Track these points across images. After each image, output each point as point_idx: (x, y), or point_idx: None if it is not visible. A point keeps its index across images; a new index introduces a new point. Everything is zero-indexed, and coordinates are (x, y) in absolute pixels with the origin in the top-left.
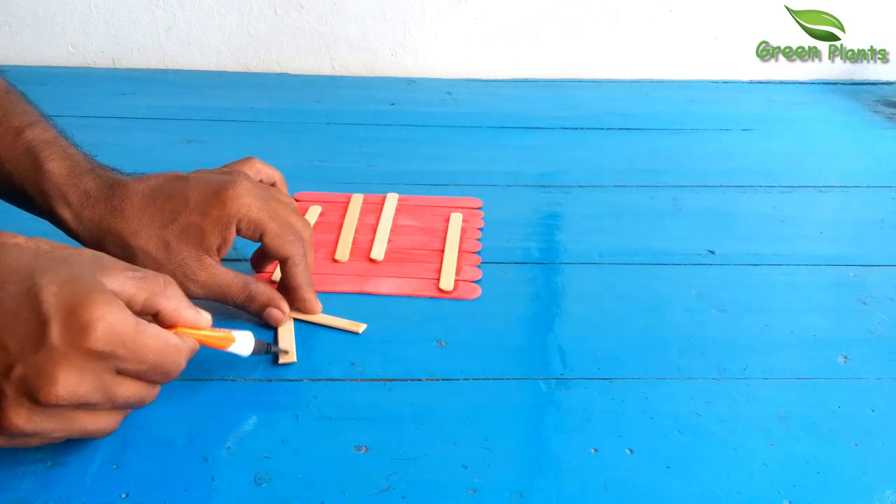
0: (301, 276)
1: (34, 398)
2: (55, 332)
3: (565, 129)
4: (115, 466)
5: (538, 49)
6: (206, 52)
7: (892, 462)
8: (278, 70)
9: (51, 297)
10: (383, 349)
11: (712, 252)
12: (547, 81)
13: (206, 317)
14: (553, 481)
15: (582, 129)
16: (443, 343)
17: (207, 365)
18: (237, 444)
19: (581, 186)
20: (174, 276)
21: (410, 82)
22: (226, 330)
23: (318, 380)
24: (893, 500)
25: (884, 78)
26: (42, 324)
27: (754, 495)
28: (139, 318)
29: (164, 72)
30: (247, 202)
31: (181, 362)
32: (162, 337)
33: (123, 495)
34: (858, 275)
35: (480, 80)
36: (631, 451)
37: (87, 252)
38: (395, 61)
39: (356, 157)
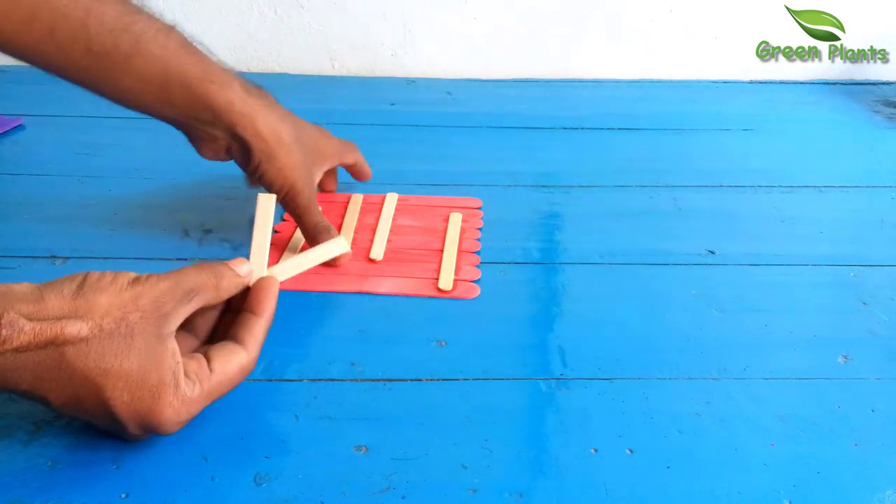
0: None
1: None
2: (133, 430)
3: (565, 129)
4: (115, 466)
5: (538, 49)
6: None
7: (892, 462)
8: (278, 70)
9: (123, 409)
10: (383, 349)
11: (712, 252)
12: (547, 81)
13: (245, 267)
14: (553, 481)
15: (582, 129)
16: (443, 343)
17: None
18: (237, 444)
19: (581, 186)
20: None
21: (410, 82)
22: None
23: (318, 380)
24: (893, 500)
25: (884, 78)
26: (121, 425)
27: (754, 495)
28: (198, 359)
29: None
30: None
31: (248, 364)
32: (221, 379)
33: (123, 495)
34: (858, 275)
35: (480, 80)
36: (631, 451)
37: (146, 301)
38: (395, 61)
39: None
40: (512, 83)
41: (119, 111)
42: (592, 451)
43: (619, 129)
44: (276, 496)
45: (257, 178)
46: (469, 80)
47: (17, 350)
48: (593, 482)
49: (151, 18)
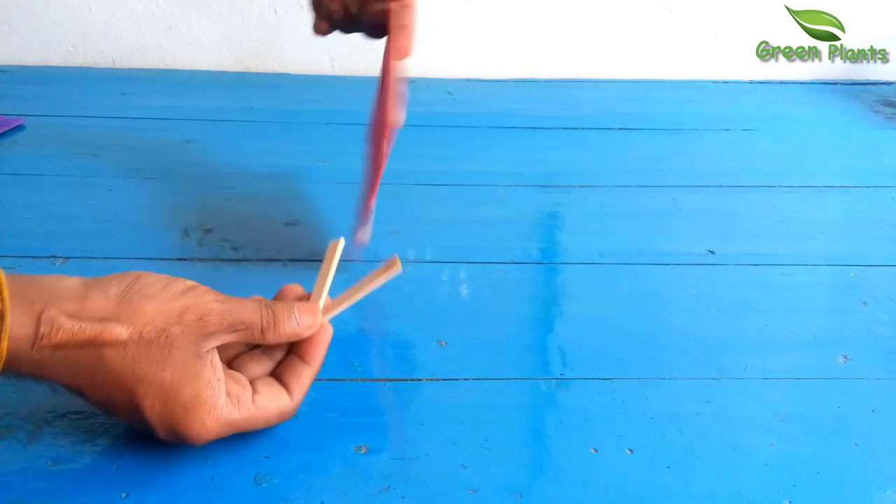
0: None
1: None
2: (163, 435)
3: (565, 129)
4: (115, 466)
5: (538, 49)
6: (206, 52)
7: (892, 462)
8: (278, 70)
9: (154, 416)
10: (383, 349)
11: (712, 252)
12: (547, 81)
13: (308, 319)
14: (553, 481)
15: (582, 129)
16: (443, 343)
17: None
18: (237, 444)
19: (581, 186)
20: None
21: (410, 82)
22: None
23: (318, 380)
24: (893, 500)
25: (884, 78)
26: (152, 430)
27: (754, 495)
28: (242, 382)
29: (164, 72)
30: None
31: (290, 411)
32: (260, 414)
33: (123, 495)
34: (858, 275)
35: (480, 80)
36: (631, 451)
37: (192, 317)
38: None
39: (356, 157)
40: (512, 83)
41: (119, 111)
42: (592, 451)
43: (619, 129)
44: (276, 496)
45: None
46: (469, 80)
47: (55, 347)
48: (593, 482)
49: None
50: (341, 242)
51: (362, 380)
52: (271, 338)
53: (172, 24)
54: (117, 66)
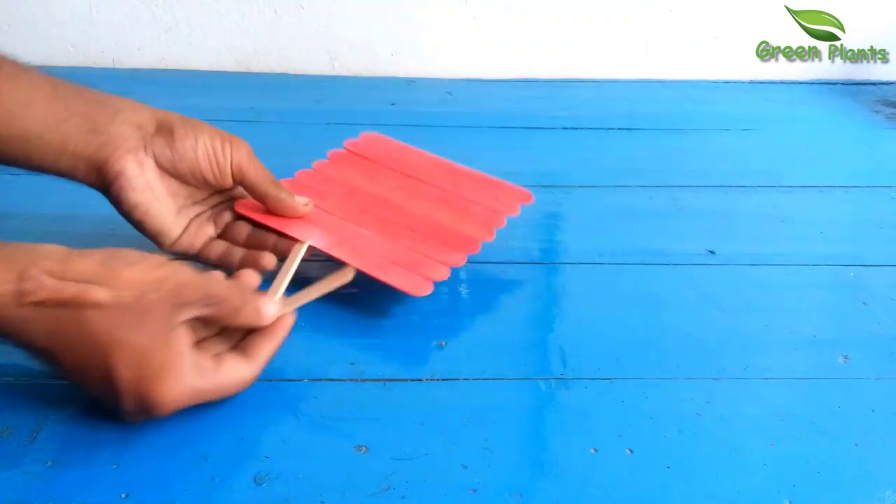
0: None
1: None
2: (129, 405)
3: (565, 129)
4: (115, 466)
5: (538, 49)
6: (206, 52)
7: (892, 462)
8: (278, 70)
9: (124, 382)
10: (383, 349)
11: (712, 252)
12: (547, 81)
13: (269, 317)
14: (553, 481)
15: (582, 129)
16: (443, 343)
17: None
18: (237, 444)
19: (581, 186)
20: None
21: (410, 82)
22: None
23: (318, 380)
24: (893, 500)
25: (884, 78)
26: (117, 397)
27: (754, 495)
28: (208, 355)
29: (164, 72)
30: None
31: (250, 380)
32: (224, 382)
33: (123, 495)
34: (858, 275)
35: (480, 80)
36: (631, 451)
37: (169, 286)
38: (394, 61)
39: None
40: (512, 83)
41: None
42: (592, 451)
43: (619, 129)
44: (276, 496)
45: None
46: (469, 80)
47: (37, 305)
48: (593, 482)
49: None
50: (305, 245)
51: (362, 380)
52: (239, 320)
53: (172, 24)
54: (117, 66)
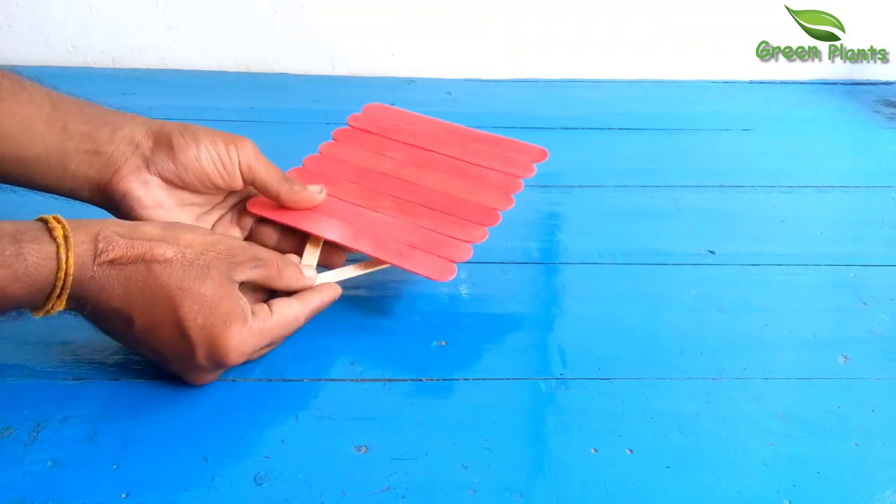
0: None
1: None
2: (201, 356)
3: (565, 129)
4: (115, 466)
5: (538, 49)
6: (206, 52)
7: (892, 462)
8: (278, 70)
9: (195, 331)
10: (383, 349)
11: (712, 252)
12: (547, 81)
13: (309, 278)
14: (553, 481)
15: (582, 129)
16: (443, 343)
17: None
18: (237, 444)
19: (581, 186)
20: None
21: (410, 82)
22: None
23: (318, 380)
24: (893, 500)
25: (884, 78)
26: (191, 348)
27: (754, 495)
28: (260, 304)
29: (164, 72)
30: None
31: (301, 318)
32: (279, 320)
33: (123, 495)
34: (858, 275)
35: (480, 80)
36: (631, 451)
37: (223, 247)
38: (394, 61)
39: None
40: (512, 83)
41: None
42: (592, 451)
43: (619, 129)
44: (276, 496)
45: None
46: (469, 80)
47: (111, 263)
48: (593, 482)
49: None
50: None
51: (362, 380)
52: (283, 281)
53: (172, 24)
54: (117, 66)
